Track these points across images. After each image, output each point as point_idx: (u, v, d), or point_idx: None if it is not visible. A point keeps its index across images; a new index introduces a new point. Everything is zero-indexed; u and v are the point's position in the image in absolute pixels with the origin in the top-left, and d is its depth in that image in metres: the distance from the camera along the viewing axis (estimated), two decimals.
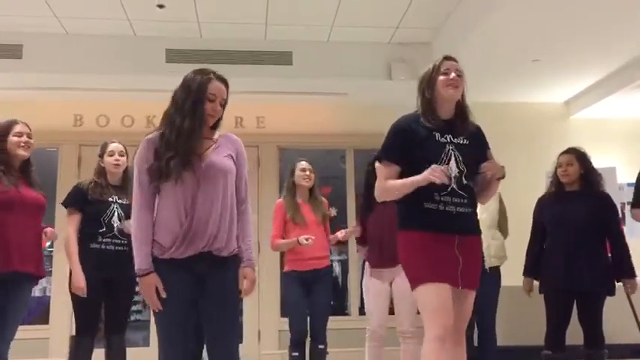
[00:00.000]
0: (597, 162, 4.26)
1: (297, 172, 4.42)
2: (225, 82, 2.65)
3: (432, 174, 2.55)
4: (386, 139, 2.82)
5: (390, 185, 2.75)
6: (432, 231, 2.65)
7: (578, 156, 4.11)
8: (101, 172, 3.92)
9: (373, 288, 4.10)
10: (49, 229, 3.58)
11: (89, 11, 5.33)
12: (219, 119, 2.68)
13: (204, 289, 2.53)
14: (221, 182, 2.55)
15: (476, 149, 2.79)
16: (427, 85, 2.80)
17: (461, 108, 2.82)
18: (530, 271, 4.23)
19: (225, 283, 2.55)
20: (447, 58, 2.84)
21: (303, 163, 4.46)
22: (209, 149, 2.59)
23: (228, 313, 2.56)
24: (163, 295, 2.48)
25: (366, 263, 4.23)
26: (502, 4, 4.51)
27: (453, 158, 2.69)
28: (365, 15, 5.47)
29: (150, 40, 5.76)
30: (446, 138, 2.74)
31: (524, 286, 4.23)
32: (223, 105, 2.65)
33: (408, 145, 2.73)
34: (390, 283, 4.03)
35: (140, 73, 5.69)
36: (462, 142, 2.76)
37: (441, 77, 2.76)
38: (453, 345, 2.65)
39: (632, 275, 4.02)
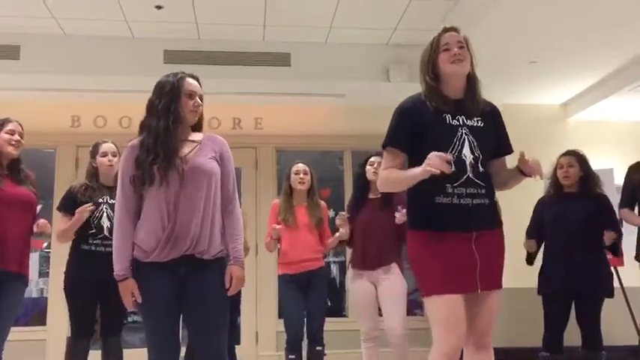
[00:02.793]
0: (595, 164, 4.27)
1: (292, 176, 4.37)
2: (197, 79, 2.68)
3: (430, 164, 2.23)
4: (391, 122, 2.51)
5: (393, 176, 2.48)
6: (444, 230, 2.38)
7: (578, 158, 4.13)
8: (93, 173, 3.88)
9: (358, 291, 4.11)
10: (41, 220, 3.51)
11: (87, 12, 5.33)
12: (201, 120, 2.68)
13: (187, 292, 2.52)
14: (204, 184, 2.53)
15: (491, 132, 2.49)
16: (428, 68, 2.49)
17: (471, 83, 2.50)
18: (531, 234, 4.22)
19: (206, 287, 2.53)
20: (445, 30, 2.51)
21: (299, 165, 4.39)
22: (192, 151, 2.58)
23: (212, 317, 2.54)
24: (139, 299, 2.50)
25: (349, 265, 4.24)
26: (499, 5, 4.52)
27: (466, 143, 2.41)
28: (363, 16, 5.48)
29: (148, 42, 5.76)
30: (458, 120, 2.43)
31: (525, 244, 4.22)
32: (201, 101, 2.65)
33: (416, 128, 2.43)
34: (375, 285, 4.04)
35: (138, 74, 5.66)
36: (476, 124, 2.45)
37: (442, 55, 2.46)
38: (477, 350, 2.45)
39: (613, 228, 4.01)
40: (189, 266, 2.50)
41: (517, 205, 4.81)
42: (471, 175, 2.39)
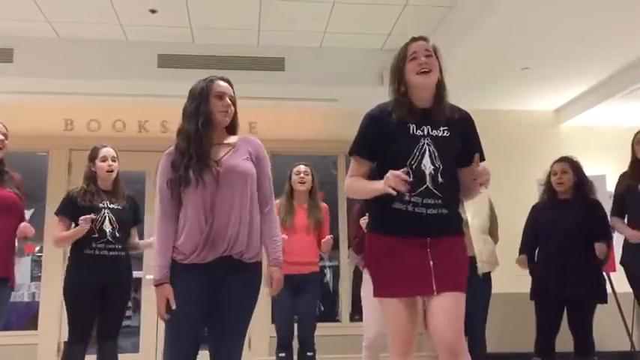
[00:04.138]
0: (587, 170, 4.29)
1: (293, 177, 4.42)
2: (228, 81, 2.73)
3: (387, 183, 2.26)
4: (358, 130, 2.57)
5: (357, 185, 2.53)
6: (399, 235, 2.41)
7: (572, 164, 4.15)
8: (91, 177, 3.87)
9: (373, 297, 4.07)
10: (22, 224, 3.47)
11: (81, 15, 5.31)
12: (235, 123, 2.72)
13: (221, 291, 2.54)
14: (239, 185, 2.56)
15: (457, 141, 2.47)
16: (396, 77, 2.51)
17: (439, 92, 2.48)
18: (525, 250, 4.24)
19: (241, 286, 2.57)
20: (413, 39, 2.53)
21: (300, 166, 4.45)
22: (227, 154, 2.61)
23: (238, 316, 2.58)
24: (173, 305, 2.51)
25: (365, 270, 4.19)
26: (493, 12, 4.54)
27: (427, 154, 2.40)
28: (358, 22, 5.48)
29: (142, 45, 5.75)
30: (422, 130, 2.43)
31: (518, 262, 4.24)
32: (233, 103, 2.70)
33: (381, 137, 2.46)
34: None
35: (132, 77, 5.67)
36: (440, 134, 2.44)
37: (410, 64, 2.48)
38: (449, 357, 2.38)
39: (605, 237, 4.04)
40: (226, 268, 2.53)
41: (510, 213, 4.83)
42: (430, 185, 2.39)
